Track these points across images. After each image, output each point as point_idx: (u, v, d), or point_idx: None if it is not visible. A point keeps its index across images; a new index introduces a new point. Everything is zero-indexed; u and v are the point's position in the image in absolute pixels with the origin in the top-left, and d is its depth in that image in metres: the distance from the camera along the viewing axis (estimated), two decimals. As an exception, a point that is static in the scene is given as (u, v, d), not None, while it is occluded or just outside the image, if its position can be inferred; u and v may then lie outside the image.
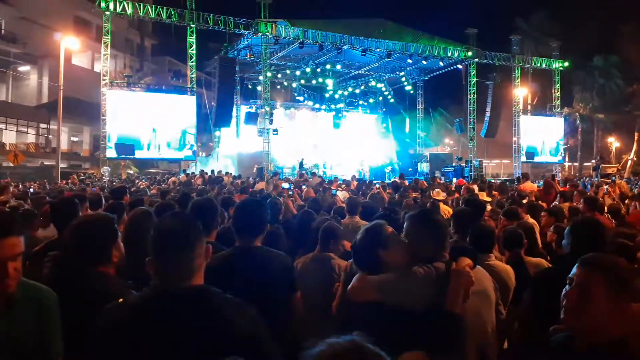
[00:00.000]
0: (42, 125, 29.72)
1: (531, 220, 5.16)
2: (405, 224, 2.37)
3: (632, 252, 2.83)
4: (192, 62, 20.79)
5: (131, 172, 20.51)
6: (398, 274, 2.15)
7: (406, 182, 11.91)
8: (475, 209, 4.10)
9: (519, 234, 3.56)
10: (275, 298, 2.59)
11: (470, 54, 24.61)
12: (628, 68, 31.03)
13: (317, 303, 3.04)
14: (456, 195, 9.50)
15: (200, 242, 1.74)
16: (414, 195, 9.23)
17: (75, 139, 32.67)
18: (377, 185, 9.54)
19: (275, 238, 3.48)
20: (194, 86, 20.96)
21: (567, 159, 29.36)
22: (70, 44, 20.18)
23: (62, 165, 21.10)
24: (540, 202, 6.96)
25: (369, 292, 2.17)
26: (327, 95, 29.64)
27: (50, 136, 29.57)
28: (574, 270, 1.69)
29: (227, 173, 18.35)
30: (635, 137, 34.77)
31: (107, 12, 18.50)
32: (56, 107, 20.19)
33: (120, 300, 1.79)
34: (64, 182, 16.71)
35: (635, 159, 34.27)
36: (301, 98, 29.49)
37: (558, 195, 8.61)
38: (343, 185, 12.23)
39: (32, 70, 30.14)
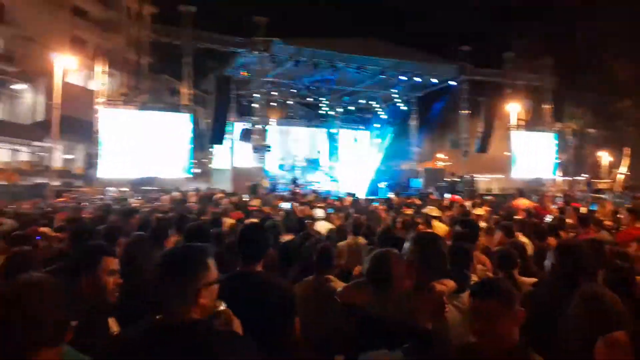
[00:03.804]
0: (36, 143, 29.64)
1: (523, 239, 5.22)
2: (407, 245, 2.42)
3: (627, 276, 2.86)
4: (189, 80, 20.92)
5: (125, 190, 20.41)
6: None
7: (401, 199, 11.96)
8: (470, 229, 4.15)
9: (513, 254, 3.56)
10: (275, 324, 2.62)
11: (463, 71, 24.92)
12: (617, 84, 31.47)
13: (316, 327, 3.05)
14: (450, 212, 9.56)
15: (201, 274, 1.76)
16: (409, 212, 9.29)
17: (68, 156, 32.56)
18: (376, 204, 9.58)
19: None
20: (190, 104, 21.05)
21: (560, 174, 29.50)
22: (67, 63, 20.25)
23: (55, 183, 21.00)
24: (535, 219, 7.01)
25: (362, 299, 2.24)
26: (321, 112, 29.84)
27: (44, 154, 29.46)
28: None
29: (221, 190, 18.33)
30: (626, 152, 35.16)
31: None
32: (50, 125, 20.18)
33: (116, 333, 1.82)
34: (58, 200, 16.62)
35: (627, 173, 34.63)
36: (295, 115, 29.69)
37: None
38: (337, 202, 12.27)
39: (27, 89, 30.14)
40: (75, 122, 23.50)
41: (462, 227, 4.22)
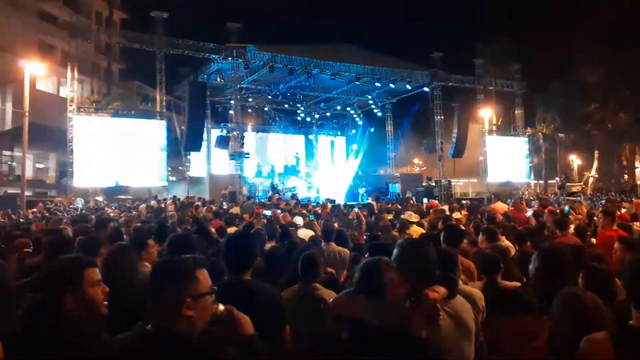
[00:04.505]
0: (6, 153, 28.83)
1: (506, 243, 5.29)
2: (395, 251, 2.41)
3: (607, 278, 2.93)
4: (161, 86, 20.69)
5: (100, 199, 20.01)
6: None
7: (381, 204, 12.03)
8: (454, 233, 4.20)
9: (496, 259, 3.57)
10: (265, 332, 2.59)
11: (436, 77, 25.34)
12: (586, 89, 32.43)
13: (304, 336, 3.04)
14: (429, 217, 9.66)
15: (186, 285, 1.73)
16: (389, 217, 9.34)
17: (40, 165, 31.74)
18: (356, 210, 9.61)
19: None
20: (164, 110, 20.81)
21: (532, 178, 30.20)
22: (35, 70, 19.80)
23: (27, 193, 20.47)
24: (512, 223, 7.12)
25: (354, 309, 2.23)
26: (298, 118, 29.89)
27: (14, 163, 28.67)
28: None
29: (199, 198, 18.14)
30: (595, 155, 36.21)
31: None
32: (20, 134, 19.67)
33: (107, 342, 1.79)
34: (30, 211, 16.18)
35: (596, 176, 35.63)
36: (272, 121, 29.68)
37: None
38: (318, 209, 12.28)
39: (-6, 97, 29.34)
40: (46, 130, 22.96)
41: (446, 232, 4.25)
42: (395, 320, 2.07)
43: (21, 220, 11.49)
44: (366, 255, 3.69)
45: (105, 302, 2.27)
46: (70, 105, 18.75)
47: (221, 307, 1.90)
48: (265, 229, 6.11)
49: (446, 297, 2.34)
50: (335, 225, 7.66)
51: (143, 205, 16.32)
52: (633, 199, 16.29)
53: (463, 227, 7.19)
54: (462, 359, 2.42)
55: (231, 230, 6.91)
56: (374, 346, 2.05)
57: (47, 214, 13.56)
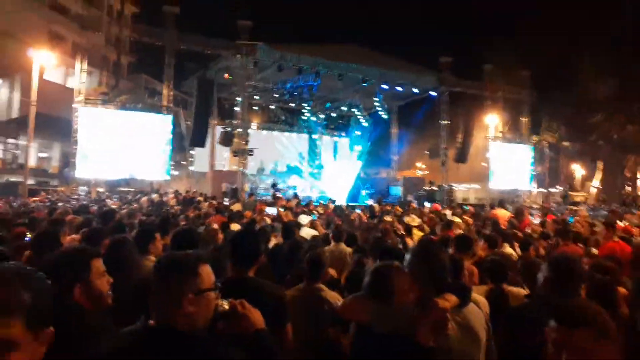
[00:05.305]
0: (10, 141, 28.92)
1: (509, 250, 5.30)
2: (408, 256, 2.39)
3: (610, 288, 2.92)
4: (169, 81, 20.71)
5: (101, 190, 20.06)
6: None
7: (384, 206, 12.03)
8: (462, 239, 4.21)
9: (504, 266, 3.56)
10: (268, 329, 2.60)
11: (444, 81, 25.30)
12: (591, 99, 32.32)
13: (307, 336, 3.04)
14: (426, 221, 9.70)
15: (187, 281, 1.73)
16: (388, 219, 9.36)
17: (43, 155, 31.83)
18: (358, 211, 9.62)
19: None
20: (171, 105, 20.83)
21: (535, 186, 30.11)
22: (44, 60, 19.85)
23: (29, 181, 20.52)
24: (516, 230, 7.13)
25: (362, 314, 2.21)
26: (303, 117, 29.89)
27: (18, 152, 28.76)
28: (554, 325, 1.66)
29: (201, 194, 18.17)
30: (600, 166, 36.08)
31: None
32: (26, 123, 19.74)
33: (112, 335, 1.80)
34: (32, 199, 16.24)
35: (599, 186, 35.51)
36: (277, 120, 29.69)
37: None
38: (320, 209, 12.28)
39: (2, 84, 29.42)
40: (51, 120, 23.03)
41: (458, 240, 4.25)
42: (402, 326, 2.05)
43: (22, 208, 11.52)
44: (372, 258, 3.70)
45: (110, 293, 2.29)
46: (78, 97, 18.78)
47: (225, 304, 1.90)
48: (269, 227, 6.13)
49: (458, 305, 2.31)
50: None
51: (144, 198, 16.37)
52: (635, 211, 16.26)
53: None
54: None
55: (234, 227, 6.92)
56: (377, 352, 2.04)
57: (48, 203, 13.62)
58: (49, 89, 25.94)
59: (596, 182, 35.85)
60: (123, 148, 19.28)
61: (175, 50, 20.39)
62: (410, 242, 6.65)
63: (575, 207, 15.76)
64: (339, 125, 32.24)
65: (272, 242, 5.41)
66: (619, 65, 30.28)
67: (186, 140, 22.05)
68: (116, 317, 2.16)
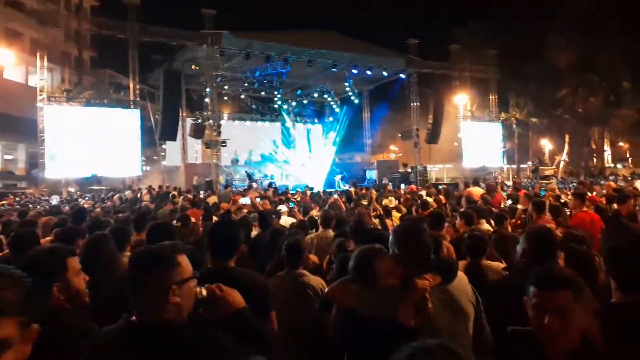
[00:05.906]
0: (-28, 144, 27.97)
1: (486, 226, 5.40)
2: (391, 238, 2.41)
3: (584, 257, 3.01)
4: (135, 75, 20.25)
5: (72, 190, 19.58)
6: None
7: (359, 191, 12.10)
8: (439, 219, 4.28)
9: (483, 241, 3.64)
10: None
11: (411, 63, 25.45)
12: (556, 74, 32.97)
13: (292, 322, 3.05)
14: (402, 201, 9.84)
15: (169, 272, 1.71)
16: (364, 203, 9.43)
17: (9, 157, 30.86)
18: (335, 196, 9.67)
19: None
20: (137, 99, 20.38)
21: (505, 162, 30.73)
22: (2, 58, 19.15)
23: (-5, 185, 19.91)
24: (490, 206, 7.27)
25: (347, 298, 2.23)
26: (275, 105, 29.69)
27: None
28: (534, 290, 1.70)
29: (175, 188, 17.93)
30: (566, 139, 37.00)
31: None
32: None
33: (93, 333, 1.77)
34: (1, 202, 15.75)
35: (567, 159, 36.45)
36: (248, 109, 29.42)
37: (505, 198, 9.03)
38: (297, 196, 12.27)
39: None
40: (15, 120, 22.31)
41: (431, 217, 4.33)
42: (386, 309, 2.07)
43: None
44: (353, 242, 3.72)
45: (87, 291, 2.26)
46: (40, 95, 18.20)
47: (204, 291, 1.90)
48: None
49: (442, 282, 2.31)
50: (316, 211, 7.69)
51: (117, 196, 16.08)
52: (602, 182, 16.78)
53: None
54: (457, 340, 2.31)
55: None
56: (361, 335, 2.06)
57: (18, 207, 13.24)
58: (10, 88, 25.11)
59: (564, 156, 36.79)
60: (92, 146, 18.84)
61: (139, 43, 19.91)
62: (390, 223, 6.71)
63: (545, 181, 16.19)
64: (312, 112, 32.15)
65: (253, 232, 5.37)
66: (581, 37, 30.91)
67: (156, 134, 21.63)
68: (97, 315, 2.13)
